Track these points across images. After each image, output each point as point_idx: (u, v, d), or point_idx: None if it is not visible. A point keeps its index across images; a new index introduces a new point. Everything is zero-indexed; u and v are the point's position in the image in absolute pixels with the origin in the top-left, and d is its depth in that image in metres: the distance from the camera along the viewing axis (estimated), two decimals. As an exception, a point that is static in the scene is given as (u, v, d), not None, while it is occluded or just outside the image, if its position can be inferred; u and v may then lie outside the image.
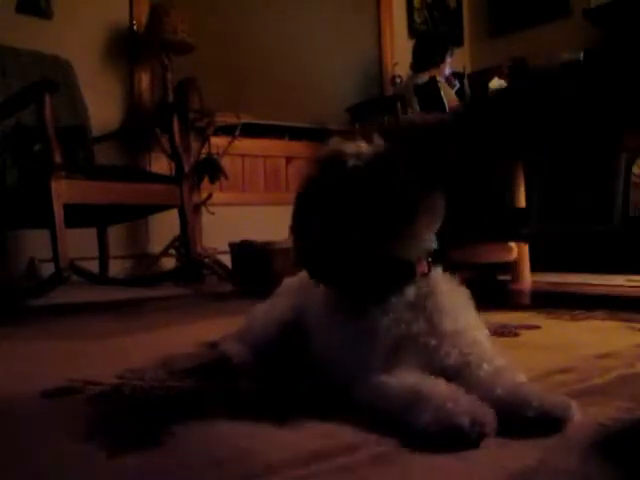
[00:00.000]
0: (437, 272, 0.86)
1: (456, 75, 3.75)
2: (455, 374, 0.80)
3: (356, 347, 0.83)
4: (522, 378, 0.78)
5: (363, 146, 0.82)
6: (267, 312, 1.14)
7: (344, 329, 0.85)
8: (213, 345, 1.26)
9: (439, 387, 0.73)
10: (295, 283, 1.15)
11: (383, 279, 0.83)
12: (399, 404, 0.72)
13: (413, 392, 0.72)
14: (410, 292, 0.83)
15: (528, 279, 2.68)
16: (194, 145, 3.29)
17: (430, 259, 0.85)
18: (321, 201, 0.82)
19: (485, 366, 0.80)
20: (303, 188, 0.86)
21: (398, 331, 0.80)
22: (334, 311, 0.89)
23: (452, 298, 0.85)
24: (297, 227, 0.86)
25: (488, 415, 0.68)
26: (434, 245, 0.85)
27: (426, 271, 0.85)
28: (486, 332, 0.87)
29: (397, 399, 0.73)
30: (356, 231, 0.80)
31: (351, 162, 0.81)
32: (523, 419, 0.70)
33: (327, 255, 0.83)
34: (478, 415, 0.66)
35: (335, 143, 0.85)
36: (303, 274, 1.17)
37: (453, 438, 0.65)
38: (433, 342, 0.81)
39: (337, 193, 0.81)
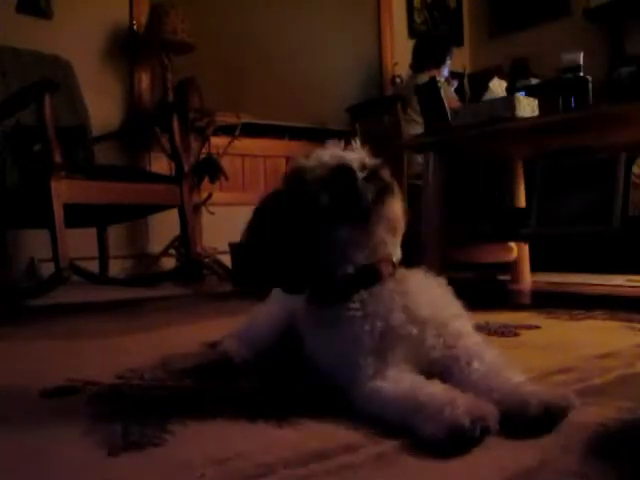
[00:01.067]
0: (404, 272, 0.88)
1: (455, 75, 3.75)
2: (444, 369, 0.81)
3: (341, 351, 0.83)
4: (514, 373, 0.78)
5: (326, 158, 0.85)
6: (267, 313, 1.14)
7: (324, 334, 0.86)
8: (213, 345, 1.26)
9: (435, 390, 0.73)
10: None
11: (346, 282, 0.84)
12: (396, 412, 0.73)
13: (409, 398, 0.72)
14: (379, 291, 0.84)
15: (528, 279, 2.68)
16: (194, 145, 3.29)
17: (394, 261, 0.87)
18: (282, 212, 0.84)
19: (476, 364, 0.80)
20: (262, 202, 0.89)
21: (377, 326, 0.81)
22: (310, 316, 0.90)
23: (427, 290, 0.87)
24: (254, 237, 0.88)
25: (487, 409, 0.68)
26: (398, 253, 0.88)
27: (391, 272, 0.86)
28: (470, 322, 0.88)
29: (394, 406, 0.73)
30: (314, 240, 0.83)
31: (310, 175, 0.84)
32: (525, 419, 0.70)
33: (284, 259, 0.84)
34: (477, 412, 0.66)
35: (302, 156, 0.88)
36: None
37: (456, 441, 0.65)
38: (414, 331, 0.82)
39: (297, 204, 0.83)
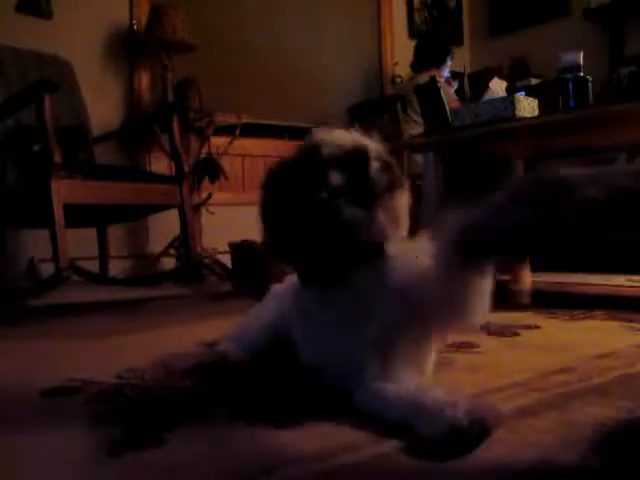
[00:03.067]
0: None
1: (456, 75, 3.75)
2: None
3: (346, 350, 0.83)
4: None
5: (344, 138, 0.86)
6: (259, 315, 1.15)
7: (323, 328, 0.87)
8: (213, 345, 1.26)
9: (438, 392, 0.73)
10: (281, 289, 1.15)
11: (351, 258, 0.84)
12: (398, 412, 0.73)
13: (412, 399, 0.73)
14: (380, 270, 0.85)
15: (528, 279, 2.68)
16: (194, 145, 3.29)
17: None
18: (291, 183, 0.85)
19: None
20: (277, 168, 0.91)
21: (380, 319, 0.82)
22: (306, 305, 0.91)
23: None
24: (267, 207, 0.90)
25: (489, 411, 0.68)
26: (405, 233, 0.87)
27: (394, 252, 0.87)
28: None
29: (396, 406, 0.74)
30: (324, 215, 0.81)
31: (326, 150, 0.84)
32: None
33: (295, 233, 0.84)
34: (477, 414, 0.67)
35: (318, 132, 0.88)
36: (291, 279, 1.18)
37: (455, 442, 0.65)
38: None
39: (309, 177, 0.83)
